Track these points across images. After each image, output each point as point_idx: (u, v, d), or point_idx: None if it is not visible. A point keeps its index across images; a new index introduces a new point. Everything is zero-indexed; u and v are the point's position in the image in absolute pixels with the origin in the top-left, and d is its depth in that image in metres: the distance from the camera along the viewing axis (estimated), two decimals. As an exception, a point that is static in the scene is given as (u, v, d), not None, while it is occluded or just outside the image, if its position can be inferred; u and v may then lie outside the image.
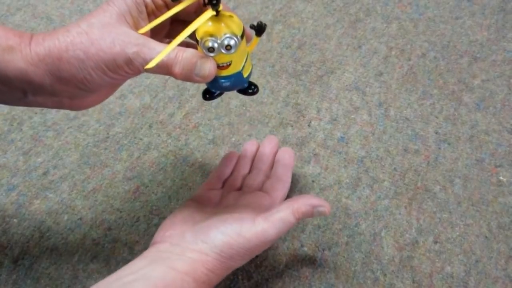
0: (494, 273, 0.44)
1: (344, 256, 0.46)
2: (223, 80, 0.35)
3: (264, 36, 0.66)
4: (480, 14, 0.68)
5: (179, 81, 0.60)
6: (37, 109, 0.58)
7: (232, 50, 0.33)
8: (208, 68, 0.33)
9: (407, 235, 0.47)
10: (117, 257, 0.46)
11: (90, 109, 0.58)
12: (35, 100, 0.34)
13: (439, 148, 0.54)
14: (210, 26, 0.32)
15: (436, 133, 0.55)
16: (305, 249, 0.46)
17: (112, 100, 0.58)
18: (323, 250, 0.46)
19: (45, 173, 0.52)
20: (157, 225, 0.48)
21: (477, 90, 0.59)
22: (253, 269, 0.45)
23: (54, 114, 0.57)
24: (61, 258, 0.46)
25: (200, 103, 0.58)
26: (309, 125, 0.56)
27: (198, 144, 0.54)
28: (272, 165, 0.48)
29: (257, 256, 0.46)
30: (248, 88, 0.38)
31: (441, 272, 0.45)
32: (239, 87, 0.38)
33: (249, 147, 0.49)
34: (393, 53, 0.64)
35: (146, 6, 0.34)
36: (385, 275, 0.45)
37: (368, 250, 0.46)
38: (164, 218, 0.48)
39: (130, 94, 0.59)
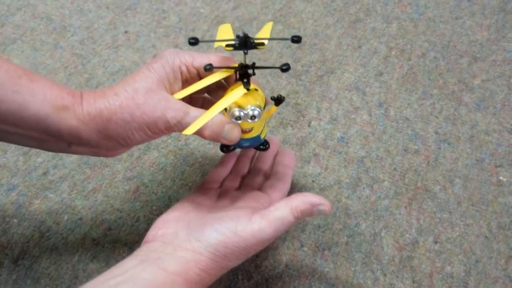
0: (494, 273, 0.44)
1: (344, 256, 0.46)
2: (243, 141, 0.39)
3: (264, 36, 0.66)
4: (480, 14, 0.68)
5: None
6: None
7: (256, 119, 0.37)
8: (235, 134, 0.37)
9: (407, 235, 0.47)
10: (117, 257, 0.46)
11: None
12: (76, 150, 0.37)
13: (439, 148, 0.54)
14: (238, 98, 0.36)
15: (436, 133, 0.55)
16: (305, 249, 0.46)
17: (112, 100, 0.58)
18: (323, 250, 0.46)
19: (45, 173, 0.52)
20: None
21: (477, 90, 0.59)
22: (253, 269, 0.45)
23: (54, 114, 0.57)
24: (61, 258, 0.46)
25: (200, 103, 0.58)
26: (309, 125, 0.56)
27: (198, 144, 0.54)
28: (272, 166, 0.47)
29: (257, 256, 0.46)
30: (261, 145, 0.42)
31: (441, 272, 0.45)
32: (256, 146, 0.42)
33: None
34: (393, 53, 0.64)
35: (181, 73, 0.38)
36: (385, 275, 0.45)
37: (368, 250, 0.46)
38: (159, 217, 0.48)
39: (130, 94, 0.59)
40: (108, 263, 0.45)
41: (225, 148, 0.42)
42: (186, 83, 0.38)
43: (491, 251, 0.46)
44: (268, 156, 0.48)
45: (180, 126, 0.36)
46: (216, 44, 0.37)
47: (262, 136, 0.40)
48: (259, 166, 0.47)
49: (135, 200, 0.50)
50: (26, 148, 0.54)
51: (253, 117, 0.36)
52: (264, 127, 0.40)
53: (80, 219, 0.48)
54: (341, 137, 0.55)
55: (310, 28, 0.67)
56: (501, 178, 0.51)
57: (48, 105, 0.33)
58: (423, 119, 0.56)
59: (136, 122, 0.35)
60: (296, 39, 0.34)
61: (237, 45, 0.35)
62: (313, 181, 0.51)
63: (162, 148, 0.54)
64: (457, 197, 0.50)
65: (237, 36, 0.35)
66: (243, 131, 0.38)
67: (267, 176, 0.46)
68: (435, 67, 0.62)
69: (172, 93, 0.37)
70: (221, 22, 0.68)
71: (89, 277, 0.44)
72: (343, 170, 0.52)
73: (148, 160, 0.53)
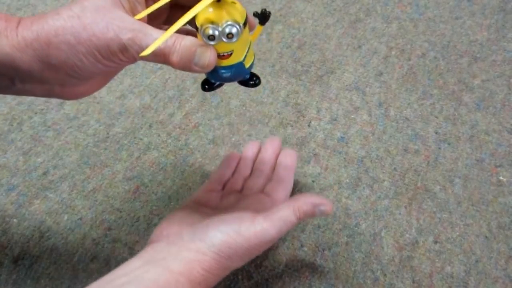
0: (494, 273, 0.44)
1: (344, 256, 0.46)
2: (223, 71, 0.33)
3: (264, 36, 0.66)
4: (480, 14, 0.68)
5: (179, 81, 0.60)
6: (37, 109, 0.58)
7: (234, 39, 0.31)
8: (208, 57, 0.31)
9: (407, 235, 0.47)
10: (117, 257, 0.46)
11: (90, 109, 0.58)
12: (23, 88, 0.32)
13: (439, 148, 0.54)
14: (211, 13, 0.30)
15: (436, 133, 0.55)
16: (305, 249, 0.46)
17: (112, 100, 0.58)
18: (323, 250, 0.46)
19: (45, 173, 0.52)
20: (157, 225, 0.48)
21: (477, 90, 0.59)
22: (253, 269, 0.45)
23: (54, 114, 0.57)
24: (61, 258, 0.46)
25: (200, 103, 0.58)
26: (309, 125, 0.56)
27: (198, 144, 0.54)
28: (274, 167, 0.47)
29: (257, 256, 0.46)
30: (250, 80, 0.36)
31: (441, 272, 0.45)
32: (240, 78, 0.36)
33: (251, 148, 0.49)
34: (393, 53, 0.64)
35: None
36: (385, 275, 0.45)
37: (368, 250, 0.46)
38: (164, 218, 0.48)
39: (130, 94, 0.59)
40: (108, 263, 0.45)
41: (207, 85, 0.36)
42: (151, 2, 0.33)
43: (491, 251, 0.46)
44: (269, 157, 0.48)
45: (138, 49, 0.30)
46: None
47: (246, 65, 0.34)
48: (261, 167, 0.47)
49: (135, 200, 0.50)
50: (26, 148, 0.54)
51: (230, 36, 0.30)
52: (248, 52, 0.33)
53: (80, 219, 0.48)
54: (341, 137, 0.55)
55: (310, 28, 0.67)
56: (501, 178, 0.51)
57: None
58: (423, 119, 0.56)
59: (83, 46, 0.29)
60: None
61: None
62: (313, 181, 0.51)
63: (162, 148, 0.54)
64: (457, 197, 0.50)
65: None
66: (221, 56, 0.32)
67: (269, 178, 0.46)
68: (435, 67, 0.62)
69: (134, 15, 0.31)
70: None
71: (89, 277, 0.44)
72: (343, 170, 0.52)
73: (148, 160, 0.53)
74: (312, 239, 0.47)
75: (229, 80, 0.35)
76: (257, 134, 0.55)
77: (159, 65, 0.62)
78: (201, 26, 0.30)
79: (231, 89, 0.59)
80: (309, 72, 0.62)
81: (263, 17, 0.32)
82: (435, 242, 0.47)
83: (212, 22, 0.30)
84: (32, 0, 0.71)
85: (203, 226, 0.36)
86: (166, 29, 0.30)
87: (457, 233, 0.47)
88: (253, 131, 0.55)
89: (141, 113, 0.57)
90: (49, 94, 0.33)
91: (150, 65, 0.62)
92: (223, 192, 0.45)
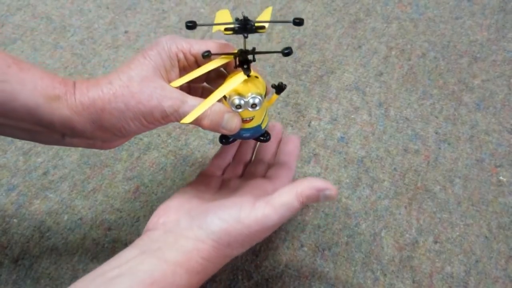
0: (494, 273, 0.44)
1: (344, 256, 0.46)
2: (244, 132, 0.38)
3: (264, 36, 0.66)
4: (480, 14, 0.68)
5: (179, 81, 0.60)
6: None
7: (257, 108, 0.35)
8: (235, 123, 0.36)
9: (407, 235, 0.47)
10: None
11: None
12: (70, 142, 0.36)
13: (439, 148, 0.54)
14: (238, 85, 0.35)
15: (436, 133, 0.55)
16: (305, 249, 0.46)
17: (112, 100, 0.58)
18: (323, 250, 0.46)
19: (45, 173, 0.52)
20: (153, 212, 0.48)
21: (477, 90, 0.59)
22: (253, 269, 0.45)
23: (54, 114, 0.57)
24: (61, 258, 0.46)
25: (200, 103, 0.58)
26: (309, 125, 0.56)
27: (198, 144, 0.54)
28: (275, 154, 0.46)
29: (257, 256, 0.46)
30: (261, 136, 0.40)
31: (441, 272, 0.45)
32: (256, 136, 0.40)
33: None
34: (393, 53, 0.64)
35: (178, 61, 0.36)
36: (385, 275, 0.45)
37: (368, 250, 0.46)
38: (161, 204, 0.48)
39: (130, 94, 0.59)
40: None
41: (225, 139, 0.41)
42: (183, 71, 0.37)
43: (491, 251, 0.46)
44: (271, 143, 0.46)
45: (177, 115, 0.34)
46: (215, 29, 0.35)
47: (263, 126, 0.39)
48: (262, 154, 0.46)
49: (135, 200, 0.50)
50: (26, 148, 0.54)
51: (254, 106, 0.35)
52: (265, 116, 0.38)
53: (80, 219, 0.48)
54: (341, 137, 0.55)
55: (310, 28, 0.67)
56: (501, 178, 0.51)
57: (38, 95, 0.32)
58: (423, 119, 0.56)
59: (131, 112, 0.34)
60: (298, 21, 0.32)
61: (236, 28, 0.33)
62: (313, 181, 0.51)
63: (162, 148, 0.54)
64: (457, 197, 0.50)
65: (237, 19, 0.33)
66: (244, 121, 0.37)
67: (271, 163, 0.45)
68: (435, 67, 0.62)
69: (169, 81, 0.36)
70: (221, 22, 0.68)
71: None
72: (343, 170, 0.52)
73: (148, 160, 0.53)
74: (312, 239, 0.47)
75: (246, 138, 0.40)
76: (257, 134, 0.55)
77: (159, 65, 0.62)
78: (230, 96, 0.35)
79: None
80: (309, 72, 0.62)
81: (279, 88, 0.37)
82: (435, 242, 0.47)
83: (239, 94, 0.35)
84: (32, 0, 0.71)
85: (201, 212, 0.35)
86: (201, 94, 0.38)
87: (457, 233, 0.47)
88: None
89: (141, 113, 0.57)
90: (90, 146, 0.37)
91: (150, 65, 0.62)
92: (223, 177, 0.44)
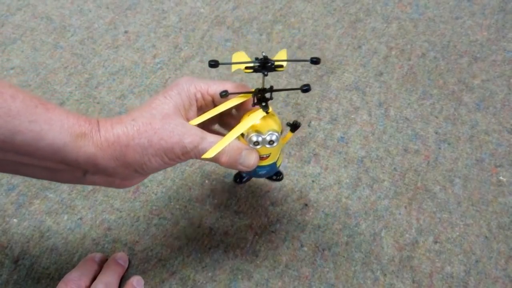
0: (494, 273, 0.44)
1: (344, 256, 0.46)
2: (260, 169, 0.39)
3: (264, 36, 0.66)
4: (480, 14, 0.68)
5: (179, 81, 0.60)
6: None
7: (274, 144, 0.36)
8: (253, 159, 0.37)
9: (407, 235, 0.47)
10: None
11: (90, 109, 0.58)
12: (91, 179, 0.37)
13: (439, 148, 0.54)
14: (256, 123, 0.36)
15: (436, 133, 0.55)
16: (305, 249, 0.46)
17: (112, 100, 0.58)
18: (323, 250, 0.46)
19: (45, 173, 0.52)
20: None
21: (477, 90, 0.59)
22: (253, 269, 0.45)
23: (54, 114, 0.57)
24: (61, 258, 0.46)
25: (200, 103, 0.58)
26: (309, 125, 0.56)
27: (198, 144, 0.54)
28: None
29: (257, 256, 0.46)
30: (274, 175, 0.42)
31: (441, 272, 0.45)
32: (271, 174, 0.41)
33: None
34: (393, 53, 0.64)
35: (196, 101, 0.38)
36: (385, 275, 0.45)
37: (368, 250, 0.46)
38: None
39: (130, 94, 0.59)
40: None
41: (239, 179, 0.42)
42: (200, 110, 0.38)
43: (491, 251, 0.46)
44: None
45: (196, 152, 0.35)
46: (234, 68, 0.36)
47: (278, 164, 0.40)
48: None
49: (135, 200, 0.50)
50: (26, 148, 0.54)
51: (271, 142, 0.36)
52: (280, 154, 0.39)
53: (80, 219, 0.48)
54: (341, 137, 0.55)
55: (310, 28, 0.67)
56: (501, 178, 0.51)
57: (65, 133, 0.33)
58: (423, 119, 0.56)
59: (153, 148, 0.35)
60: (315, 60, 0.34)
61: (256, 67, 0.35)
62: (313, 181, 0.51)
63: (162, 148, 0.54)
64: (457, 197, 0.50)
65: (256, 59, 0.35)
66: (261, 158, 0.37)
67: None
68: (435, 67, 0.62)
69: (188, 119, 0.37)
70: (221, 22, 0.68)
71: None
72: (343, 170, 0.52)
73: (148, 160, 0.53)
74: (312, 239, 0.47)
75: (261, 176, 0.40)
76: (257, 134, 0.55)
77: (159, 65, 0.62)
78: (248, 133, 0.36)
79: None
80: (309, 72, 0.62)
81: (294, 126, 0.38)
82: (435, 242, 0.47)
83: (257, 131, 0.36)
84: (32, 0, 0.71)
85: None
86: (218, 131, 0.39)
87: (457, 233, 0.47)
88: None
89: (141, 113, 0.57)
90: (109, 185, 0.38)
91: (150, 65, 0.62)
92: None
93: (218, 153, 0.35)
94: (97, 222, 0.48)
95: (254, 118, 0.36)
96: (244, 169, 0.37)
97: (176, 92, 0.37)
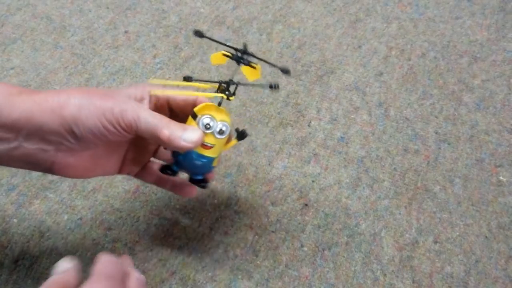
0: (494, 273, 0.44)
1: (344, 256, 0.46)
2: (197, 157, 0.36)
3: (264, 36, 0.66)
4: (480, 14, 0.68)
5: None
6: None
7: (223, 136, 0.36)
8: (197, 136, 0.34)
9: (407, 235, 0.47)
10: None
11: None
12: (23, 149, 0.34)
13: (439, 148, 0.54)
14: (210, 110, 0.36)
15: (436, 133, 0.55)
16: (305, 249, 0.46)
17: (112, 100, 0.58)
18: (323, 250, 0.46)
19: (45, 173, 0.52)
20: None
21: (477, 90, 0.59)
22: (253, 269, 0.45)
23: (54, 114, 0.57)
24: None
25: (200, 103, 0.58)
26: (309, 125, 0.56)
27: (198, 144, 0.54)
28: None
29: (257, 256, 0.46)
30: (201, 181, 0.39)
31: (441, 272, 0.45)
32: (204, 172, 0.39)
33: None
34: (393, 53, 0.64)
35: (150, 97, 0.37)
36: (385, 275, 0.45)
37: (368, 250, 0.46)
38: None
39: (130, 94, 0.59)
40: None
41: (169, 170, 0.38)
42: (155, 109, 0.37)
43: (491, 251, 0.46)
44: None
45: (136, 117, 0.33)
46: (214, 61, 0.36)
47: (214, 164, 0.38)
48: None
49: (135, 200, 0.50)
50: (26, 148, 0.54)
51: (221, 132, 0.36)
52: (218, 156, 0.38)
53: (80, 219, 0.48)
54: (341, 137, 0.55)
55: (310, 28, 0.67)
56: (501, 178, 0.51)
57: (1, 95, 0.32)
58: (423, 119, 0.56)
59: (93, 105, 0.33)
60: (286, 71, 0.35)
61: (235, 55, 0.35)
62: (313, 181, 0.51)
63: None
64: (457, 197, 0.50)
65: (236, 49, 0.35)
66: (203, 145, 0.36)
67: None
68: (435, 67, 0.62)
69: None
70: (221, 22, 0.68)
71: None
72: (343, 170, 0.52)
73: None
74: (312, 239, 0.47)
75: (195, 169, 0.38)
76: (257, 134, 0.55)
77: (159, 65, 0.62)
78: (202, 115, 0.35)
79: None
80: (309, 72, 0.62)
81: (241, 135, 0.38)
82: (435, 242, 0.47)
83: (211, 115, 0.35)
84: (32, 0, 0.71)
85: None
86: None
87: (457, 233, 0.47)
88: (253, 131, 0.55)
89: (141, 113, 0.57)
90: (44, 162, 0.35)
91: (150, 65, 0.62)
92: None
93: (160, 126, 0.33)
94: (97, 222, 0.48)
95: (213, 96, 0.36)
96: (186, 144, 0.34)
97: (132, 86, 0.37)
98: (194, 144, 0.35)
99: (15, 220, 0.48)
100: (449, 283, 0.44)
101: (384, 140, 0.54)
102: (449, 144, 0.54)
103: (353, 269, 0.45)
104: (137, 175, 0.42)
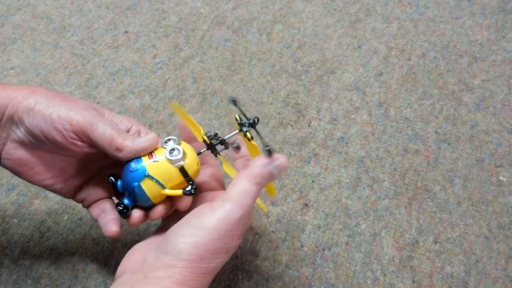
0: (494, 273, 0.44)
1: (344, 256, 0.46)
2: (135, 163, 0.34)
3: (264, 36, 0.66)
4: (480, 14, 0.68)
5: (179, 81, 0.60)
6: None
7: (171, 156, 0.34)
8: (152, 142, 0.35)
9: (407, 235, 0.47)
10: (117, 257, 0.46)
11: (90, 109, 0.58)
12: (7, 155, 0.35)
13: (439, 148, 0.54)
14: (190, 150, 0.36)
15: (436, 133, 0.55)
16: (305, 249, 0.46)
17: (112, 100, 0.58)
18: (323, 250, 0.46)
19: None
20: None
21: (477, 90, 0.59)
22: (253, 269, 0.45)
23: (54, 114, 0.57)
24: (61, 258, 0.46)
25: (200, 103, 0.58)
26: (309, 125, 0.56)
27: (198, 144, 0.54)
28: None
29: (257, 256, 0.46)
30: (147, 206, 0.36)
31: (441, 272, 0.45)
32: (140, 202, 0.36)
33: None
34: (393, 53, 0.64)
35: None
36: (385, 275, 0.45)
37: (368, 250, 0.46)
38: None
39: (130, 94, 0.59)
40: (108, 263, 0.45)
41: (121, 205, 0.36)
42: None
43: (491, 251, 0.46)
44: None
45: (99, 133, 0.34)
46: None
47: (155, 201, 0.36)
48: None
49: (135, 200, 0.50)
50: (26, 148, 0.54)
51: (172, 151, 0.34)
52: (159, 195, 0.35)
53: (80, 219, 0.48)
54: (341, 137, 0.55)
55: (310, 28, 0.67)
56: (501, 178, 0.51)
57: None
58: (423, 119, 0.56)
59: (51, 102, 0.34)
60: (233, 100, 0.36)
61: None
62: (313, 181, 0.51)
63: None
64: (457, 197, 0.50)
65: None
66: (150, 154, 0.35)
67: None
68: (435, 67, 0.62)
69: None
70: (221, 22, 0.68)
71: (88, 277, 0.44)
72: (343, 170, 0.52)
73: (148, 160, 0.53)
74: (312, 239, 0.47)
75: (133, 192, 0.35)
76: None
77: (159, 65, 0.62)
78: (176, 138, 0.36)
79: (231, 89, 0.59)
80: (309, 72, 0.62)
81: (191, 188, 0.35)
82: (435, 242, 0.47)
83: (178, 141, 0.36)
84: (32, 0, 0.71)
85: (163, 239, 0.32)
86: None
87: (457, 233, 0.47)
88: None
89: (141, 113, 0.57)
90: (26, 171, 0.37)
91: (150, 65, 0.62)
92: None
93: (114, 133, 0.34)
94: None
95: (197, 130, 0.37)
96: (139, 147, 0.34)
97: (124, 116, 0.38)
98: (147, 142, 0.35)
99: (15, 220, 0.48)
100: (449, 283, 0.44)
101: (384, 140, 0.54)
102: (449, 144, 0.54)
103: (353, 269, 0.45)
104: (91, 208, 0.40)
